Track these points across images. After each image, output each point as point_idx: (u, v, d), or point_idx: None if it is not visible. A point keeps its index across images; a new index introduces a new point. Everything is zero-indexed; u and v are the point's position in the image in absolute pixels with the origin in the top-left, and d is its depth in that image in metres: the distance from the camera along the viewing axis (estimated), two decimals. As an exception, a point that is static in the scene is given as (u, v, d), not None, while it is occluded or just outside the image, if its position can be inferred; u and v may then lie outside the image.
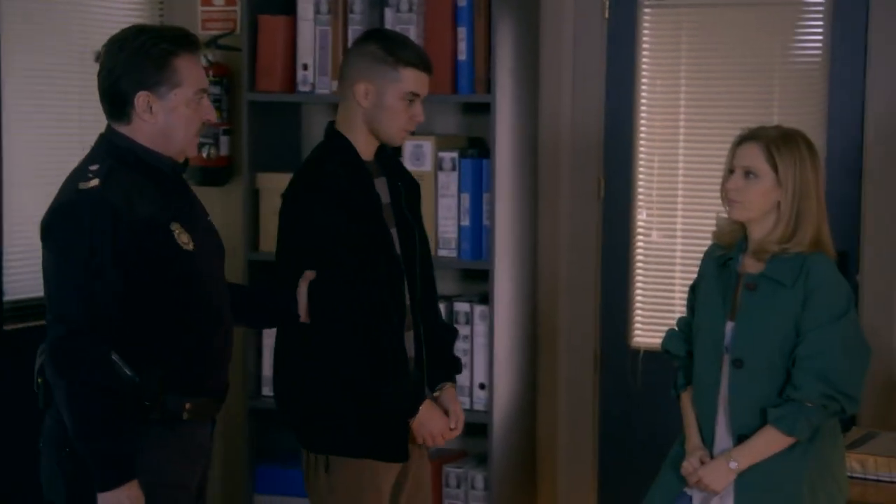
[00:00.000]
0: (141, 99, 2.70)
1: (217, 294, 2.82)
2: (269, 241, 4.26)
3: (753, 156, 2.94)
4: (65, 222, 2.64)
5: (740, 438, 2.94)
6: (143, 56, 2.70)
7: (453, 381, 3.28)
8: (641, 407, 4.24)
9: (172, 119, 2.72)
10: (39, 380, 2.70)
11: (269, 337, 4.32)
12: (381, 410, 3.05)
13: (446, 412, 3.18)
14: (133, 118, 2.72)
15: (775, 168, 2.92)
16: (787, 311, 2.91)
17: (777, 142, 2.93)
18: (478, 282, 4.23)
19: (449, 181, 4.04)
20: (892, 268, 3.89)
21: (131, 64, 2.70)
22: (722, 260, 3.04)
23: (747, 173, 2.94)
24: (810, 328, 2.88)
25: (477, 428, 4.08)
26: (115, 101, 2.73)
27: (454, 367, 3.29)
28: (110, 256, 2.61)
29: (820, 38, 3.98)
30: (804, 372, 2.87)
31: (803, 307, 2.89)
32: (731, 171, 2.98)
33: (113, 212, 2.61)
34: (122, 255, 2.62)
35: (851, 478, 3.08)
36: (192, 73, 2.74)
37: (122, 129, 2.74)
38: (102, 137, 2.77)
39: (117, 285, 2.62)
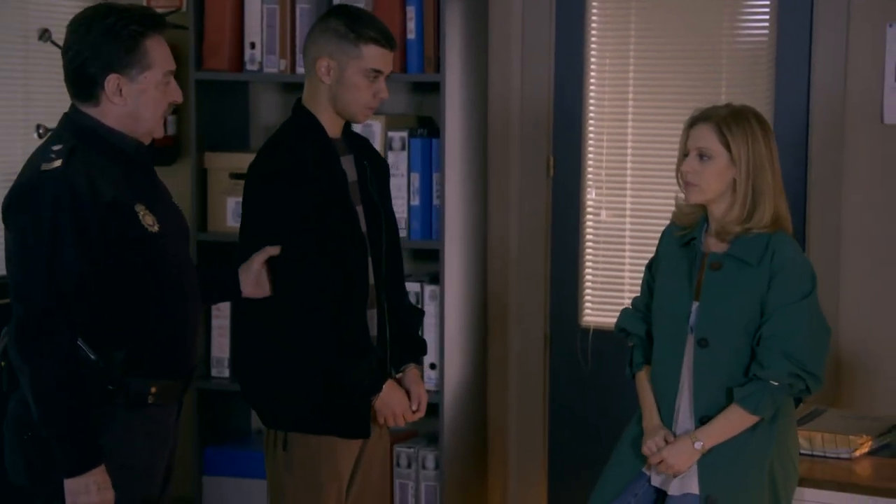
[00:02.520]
0: (111, 82, 2.66)
1: (184, 276, 2.79)
2: (217, 222, 4.23)
3: (706, 137, 2.94)
4: (26, 203, 2.61)
5: (702, 420, 2.94)
6: (113, 37, 2.65)
7: (418, 362, 3.27)
8: (591, 386, 4.26)
9: (142, 101, 2.69)
10: (3, 363, 2.67)
11: (219, 318, 4.30)
12: (344, 388, 3.04)
13: (409, 393, 3.18)
14: (101, 100, 2.68)
15: (728, 147, 2.93)
16: (752, 290, 2.91)
17: (728, 120, 2.94)
18: (428, 262, 4.23)
19: (398, 161, 4.03)
20: (838, 246, 3.93)
21: (100, 45, 2.65)
22: (684, 239, 3.04)
23: (701, 155, 2.95)
24: (776, 307, 2.89)
25: (428, 408, 4.04)
26: (83, 82, 2.68)
27: (419, 348, 3.29)
28: (72, 238, 2.58)
29: (767, 18, 4.00)
30: (770, 351, 2.87)
31: (769, 286, 2.90)
32: (685, 153, 2.99)
33: (75, 193, 2.59)
34: (85, 236, 2.59)
35: (800, 454, 3.11)
36: (161, 54, 2.71)
37: (89, 111, 2.70)
38: (67, 117, 2.74)
39: (79, 267, 2.59)
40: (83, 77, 2.68)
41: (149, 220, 2.69)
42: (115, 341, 2.65)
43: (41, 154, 2.67)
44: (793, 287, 2.90)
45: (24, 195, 2.62)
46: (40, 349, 2.57)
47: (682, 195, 3.05)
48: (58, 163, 2.61)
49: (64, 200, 2.58)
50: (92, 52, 2.66)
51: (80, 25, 2.69)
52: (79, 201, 2.59)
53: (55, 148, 2.65)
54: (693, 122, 2.98)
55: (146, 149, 2.79)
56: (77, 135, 2.68)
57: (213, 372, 4.30)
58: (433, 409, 4.08)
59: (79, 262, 2.59)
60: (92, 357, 2.62)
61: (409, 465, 4.15)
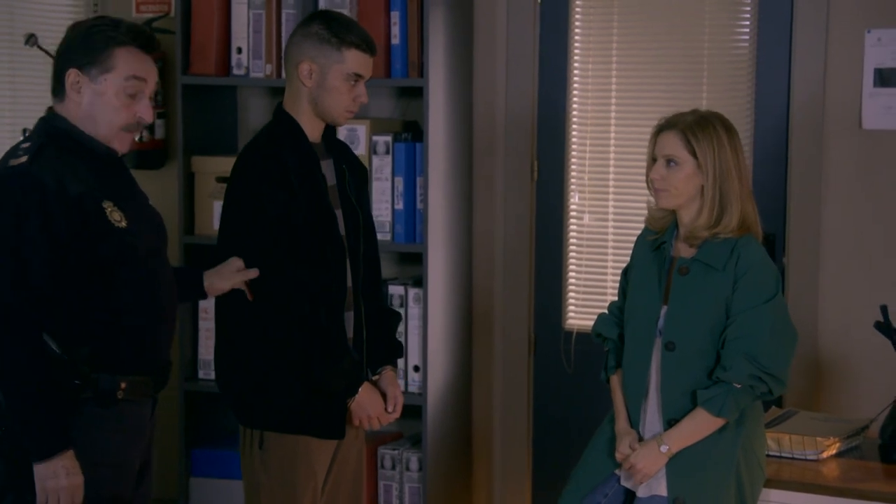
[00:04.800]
0: (71, 76, 2.74)
1: (155, 273, 2.82)
2: (204, 225, 4.27)
3: (672, 144, 2.98)
4: None
5: (670, 423, 2.98)
6: (84, 37, 2.75)
7: (394, 364, 3.31)
8: (575, 388, 4.28)
9: (98, 102, 2.74)
10: None
11: (206, 320, 4.33)
12: (320, 390, 3.08)
13: (385, 395, 3.21)
14: (65, 95, 2.76)
15: (694, 154, 2.96)
16: (718, 294, 2.95)
17: (693, 127, 2.97)
18: (412, 265, 4.26)
19: (383, 165, 4.06)
20: (817, 251, 3.96)
21: (72, 43, 2.76)
22: (655, 244, 3.09)
23: (669, 161, 2.99)
24: (740, 310, 2.93)
25: (412, 410, 4.10)
26: (56, 76, 2.78)
27: (395, 350, 3.32)
28: (37, 232, 2.62)
29: (747, 24, 4.03)
30: (733, 353, 2.91)
31: (733, 290, 2.94)
32: (654, 159, 3.03)
33: (41, 187, 2.63)
34: (51, 230, 2.64)
35: (768, 456, 3.14)
36: (129, 63, 2.75)
37: (59, 108, 2.77)
38: (41, 120, 2.80)
39: (45, 261, 2.63)
40: (56, 71, 2.78)
41: (116, 217, 2.73)
42: (80, 336, 2.69)
43: (10, 153, 2.73)
44: (756, 290, 2.94)
45: None
46: (7, 339, 2.61)
47: (653, 200, 3.08)
48: (24, 159, 2.67)
49: (30, 194, 2.62)
50: (65, 49, 2.77)
51: (68, 30, 2.81)
52: (45, 195, 2.63)
53: (24, 146, 2.71)
54: (660, 130, 3.02)
55: (109, 154, 2.81)
56: (48, 134, 2.74)
57: (201, 374, 4.33)
58: (417, 411, 4.12)
59: (45, 255, 2.63)
60: (56, 351, 2.66)
61: (392, 467, 4.18)
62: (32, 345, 2.63)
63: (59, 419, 2.65)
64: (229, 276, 3.06)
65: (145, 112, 2.78)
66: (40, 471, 2.63)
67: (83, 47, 2.74)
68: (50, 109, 2.79)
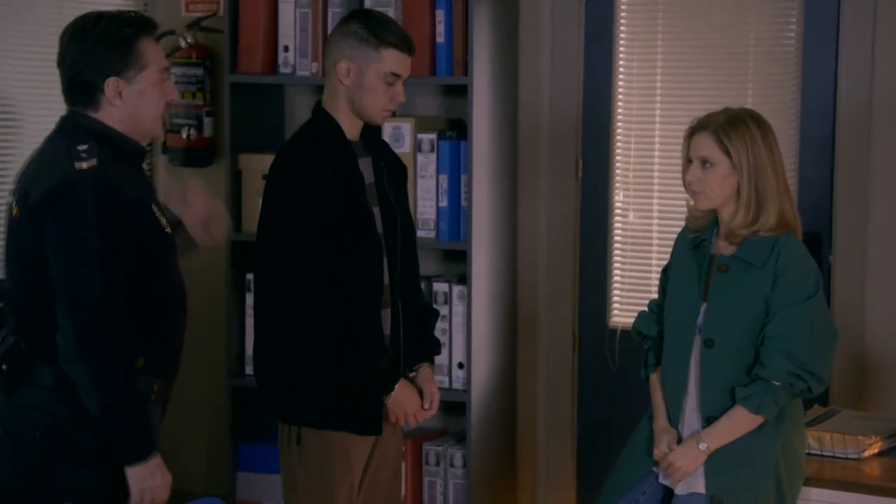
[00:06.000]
0: (110, 86, 2.72)
1: (182, 280, 2.88)
2: (251, 222, 4.30)
3: (706, 145, 2.98)
4: (70, 203, 2.64)
5: (708, 420, 2.98)
6: (108, 42, 2.71)
7: (431, 361, 3.32)
8: (619, 386, 4.28)
9: (142, 101, 2.75)
10: (3, 365, 2.71)
11: (252, 316, 4.35)
12: (356, 388, 3.10)
13: (421, 392, 3.23)
14: (102, 104, 2.73)
15: (728, 153, 2.96)
16: (757, 291, 2.95)
17: (725, 127, 2.97)
18: (456, 262, 4.28)
19: (427, 162, 4.09)
20: (864, 250, 3.93)
21: (96, 51, 2.72)
22: (695, 242, 3.09)
23: (704, 163, 2.98)
24: (779, 308, 2.93)
25: (456, 407, 4.13)
26: (82, 89, 2.74)
27: (432, 347, 3.34)
28: (116, 233, 2.64)
29: (793, 20, 4.01)
30: (772, 351, 2.91)
31: (773, 287, 2.94)
32: (689, 161, 3.03)
33: (115, 193, 2.65)
34: (124, 232, 2.66)
35: (809, 454, 3.13)
36: (154, 53, 2.78)
37: (91, 115, 2.75)
38: (70, 120, 2.76)
39: (124, 262, 2.66)
40: (82, 84, 2.73)
41: (163, 221, 2.78)
42: (133, 339, 2.70)
43: (69, 153, 2.67)
44: (796, 288, 2.93)
45: (66, 196, 2.64)
46: (99, 344, 2.62)
47: (693, 201, 3.08)
48: (93, 161, 2.66)
49: (104, 197, 2.63)
50: (89, 59, 2.72)
51: (74, 33, 2.75)
52: (118, 201, 2.65)
53: (82, 147, 2.67)
54: (692, 132, 3.03)
55: (144, 152, 2.85)
56: (92, 136, 2.72)
57: (247, 370, 4.37)
58: (461, 407, 4.14)
59: (124, 263, 2.66)
60: None
61: (437, 463, 4.20)
62: (126, 349, 2.66)
63: (148, 420, 2.70)
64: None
65: (172, 93, 2.83)
66: (137, 472, 2.67)
67: (110, 53, 2.71)
68: (72, 110, 2.76)
